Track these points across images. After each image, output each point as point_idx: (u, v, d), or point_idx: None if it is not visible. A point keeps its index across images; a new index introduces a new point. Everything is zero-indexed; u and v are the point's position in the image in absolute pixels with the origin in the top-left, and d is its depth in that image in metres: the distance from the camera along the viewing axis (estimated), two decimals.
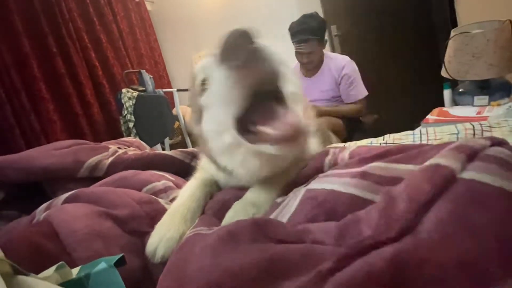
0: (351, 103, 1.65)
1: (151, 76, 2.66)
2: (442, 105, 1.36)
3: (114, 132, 2.68)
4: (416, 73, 2.00)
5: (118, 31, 3.07)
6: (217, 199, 0.49)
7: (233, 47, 0.33)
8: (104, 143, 0.94)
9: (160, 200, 0.51)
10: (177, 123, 2.90)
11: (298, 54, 1.60)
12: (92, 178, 0.72)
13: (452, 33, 1.26)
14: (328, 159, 0.43)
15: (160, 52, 3.63)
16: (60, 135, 2.42)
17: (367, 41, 2.24)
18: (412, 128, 1.22)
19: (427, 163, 0.27)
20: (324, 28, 1.61)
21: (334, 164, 0.41)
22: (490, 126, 0.81)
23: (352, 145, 0.46)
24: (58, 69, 2.47)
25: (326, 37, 1.68)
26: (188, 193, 0.51)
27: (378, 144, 0.90)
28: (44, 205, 0.50)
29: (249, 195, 0.44)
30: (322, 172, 0.39)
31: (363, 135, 1.27)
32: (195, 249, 0.28)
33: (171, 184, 0.59)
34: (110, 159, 0.74)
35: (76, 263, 0.36)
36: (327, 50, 1.89)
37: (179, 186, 0.62)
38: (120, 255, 0.41)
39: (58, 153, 0.75)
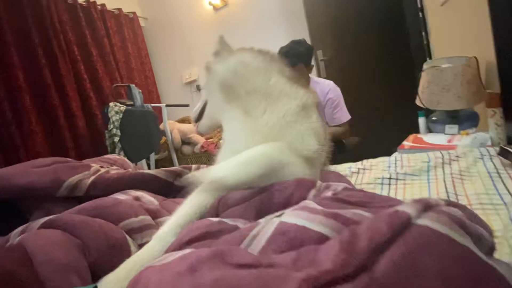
0: (335, 125, 1.72)
1: (140, 91, 2.67)
2: (418, 130, 1.45)
3: (99, 146, 2.64)
4: (395, 99, 2.12)
5: (110, 45, 3.10)
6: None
7: None
8: (86, 161, 0.94)
9: (131, 242, 0.50)
10: (164, 138, 2.89)
11: None
12: (72, 197, 0.72)
13: (425, 66, 1.36)
14: (312, 193, 0.43)
15: (151, 67, 3.67)
16: (41, 147, 2.36)
17: (351, 66, 2.37)
18: (390, 152, 1.30)
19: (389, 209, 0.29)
20: (311, 54, 1.70)
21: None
22: (457, 156, 0.88)
23: (336, 185, 0.47)
24: (45, 80, 2.45)
25: (313, 63, 1.77)
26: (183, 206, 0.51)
27: (357, 169, 0.95)
28: (20, 228, 0.49)
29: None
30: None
31: (345, 156, 1.32)
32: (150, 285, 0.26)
33: (148, 222, 0.57)
34: (91, 178, 0.73)
35: None
36: (313, 74, 1.98)
37: (157, 214, 0.62)
38: (94, 285, 0.40)
39: (37, 171, 0.73)
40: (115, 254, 0.46)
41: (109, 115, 2.31)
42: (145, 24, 3.71)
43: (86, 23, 2.88)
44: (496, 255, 0.47)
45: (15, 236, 0.47)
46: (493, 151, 0.82)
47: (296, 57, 1.58)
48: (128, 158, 2.35)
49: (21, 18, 2.38)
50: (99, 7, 3.06)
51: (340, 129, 1.72)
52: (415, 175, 0.80)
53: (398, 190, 0.74)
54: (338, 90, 1.73)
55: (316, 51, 2.36)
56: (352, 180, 0.84)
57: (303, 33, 2.29)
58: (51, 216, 0.50)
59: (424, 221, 0.26)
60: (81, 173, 0.74)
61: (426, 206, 0.28)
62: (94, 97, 2.80)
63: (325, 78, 2.09)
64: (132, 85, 2.59)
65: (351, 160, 1.06)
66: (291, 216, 0.33)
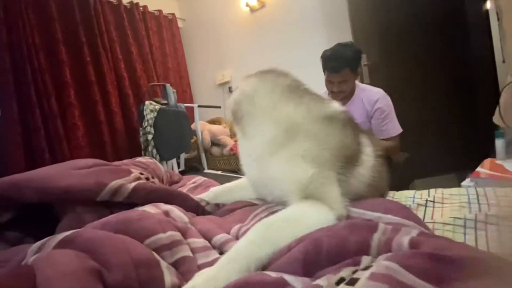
0: (383, 139, 1.54)
1: (175, 91, 2.72)
2: (478, 152, 1.24)
3: (133, 143, 2.73)
4: (452, 114, 1.88)
5: (149, 45, 3.20)
6: None
7: None
8: (121, 164, 0.93)
9: (162, 262, 0.45)
10: (194, 138, 2.91)
11: (328, 82, 1.55)
12: (105, 203, 0.70)
13: (509, 77, 1.15)
14: (377, 237, 0.35)
15: (186, 67, 3.74)
16: (82, 140, 2.49)
17: (397, 72, 2.17)
18: (446, 173, 1.09)
19: None
20: (359, 58, 1.54)
21: (384, 250, 0.33)
22: None
23: (408, 228, 0.37)
24: (88, 77, 2.59)
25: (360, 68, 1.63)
26: None
27: (424, 201, 0.77)
28: (37, 244, 0.46)
29: None
30: (366, 253, 0.32)
31: (392, 174, 1.18)
32: None
33: (178, 237, 0.52)
34: (133, 184, 0.71)
35: None
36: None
37: (186, 233, 0.57)
38: None
39: (79, 173, 0.73)
40: (143, 273, 0.42)
41: (144, 113, 2.37)
42: (183, 25, 3.79)
43: (129, 23, 3.00)
44: None
45: (31, 253, 0.44)
46: None
47: (341, 62, 1.47)
48: (160, 156, 2.42)
49: (70, 17, 2.53)
50: (141, 8, 3.18)
51: (388, 143, 1.53)
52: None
53: (489, 238, 0.55)
54: (388, 99, 1.55)
55: None
56: (419, 216, 0.63)
57: (346, 36, 2.15)
58: (71, 232, 0.47)
59: None
60: (122, 178, 0.72)
61: None
62: (132, 94, 2.91)
63: (368, 84, 1.94)
64: (167, 85, 2.65)
65: (398, 180, 0.93)
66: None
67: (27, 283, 0.35)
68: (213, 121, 3.28)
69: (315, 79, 1.25)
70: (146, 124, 2.38)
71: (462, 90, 1.75)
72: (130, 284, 0.39)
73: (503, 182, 0.92)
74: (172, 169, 2.51)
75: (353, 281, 0.26)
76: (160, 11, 3.42)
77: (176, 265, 0.48)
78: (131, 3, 3.07)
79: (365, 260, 0.31)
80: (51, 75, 2.38)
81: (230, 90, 3.41)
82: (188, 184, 1.09)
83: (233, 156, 2.84)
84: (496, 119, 1.13)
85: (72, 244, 0.45)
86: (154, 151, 2.35)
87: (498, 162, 1.11)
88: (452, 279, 0.25)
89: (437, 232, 0.59)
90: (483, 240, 0.56)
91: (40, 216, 0.71)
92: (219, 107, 3.00)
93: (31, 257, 0.43)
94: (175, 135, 2.49)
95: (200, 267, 0.49)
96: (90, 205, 0.69)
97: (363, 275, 0.26)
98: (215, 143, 2.99)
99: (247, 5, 3.10)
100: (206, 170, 2.74)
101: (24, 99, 2.17)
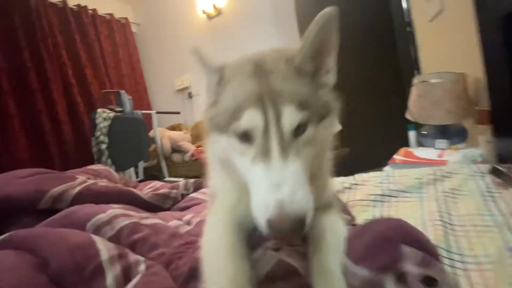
0: None
1: (130, 97, 2.62)
2: (407, 143, 1.46)
3: (85, 154, 2.56)
4: (384, 112, 2.14)
5: (100, 50, 3.05)
6: None
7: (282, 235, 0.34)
8: (69, 172, 0.90)
9: (98, 242, 0.48)
10: (153, 146, 2.83)
11: None
12: (54, 210, 0.68)
13: (415, 80, 1.38)
14: None
15: (142, 73, 3.63)
16: (24, 153, 2.27)
17: (340, 74, 2.38)
18: (380, 165, 1.29)
19: None
20: None
21: None
22: (449, 172, 0.88)
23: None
24: (30, 84, 2.38)
25: None
26: (221, 227, 0.46)
27: (349, 184, 0.93)
28: None
29: None
30: None
31: (334, 168, 1.32)
32: None
33: (118, 212, 0.56)
34: (77, 188, 0.70)
35: None
36: None
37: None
38: None
39: (18, 182, 0.70)
40: (78, 256, 0.44)
41: (97, 121, 2.25)
42: (137, 30, 3.68)
43: (76, 27, 2.84)
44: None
45: None
46: (484, 168, 0.82)
47: None
48: (116, 166, 2.31)
49: (8, 20, 2.32)
50: (90, 11, 3.02)
51: None
52: (407, 192, 0.79)
53: (392, 208, 0.73)
54: None
55: None
56: (345, 196, 0.82)
57: (295, 37, 2.33)
58: (5, 235, 0.47)
59: None
60: (65, 184, 0.70)
61: None
62: (82, 102, 2.74)
63: None
64: (122, 91, 2.55)
65: (341, 173, 1.05)
66: None
67: None
68: (173, 127, 3.22)
69: None
70: (99, 133, 2.25)
71: (392, 91, 2.00)
72: (67, 268, 0.42)
73: (409, 165, 1.14)
74: (130, 179, 2.40)
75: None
76: (111, 15, 3.28)
77: (118, 235, 0.52)
78: (78, 6, 2.90)
79: None
80: None
81: (190, 95, 3.39)
82: (146, 189, 1.08)
83: (196, 162, 2.82)
84: (408, 115, 1.36)
85: (9, 244, 0.46)
86: (109, 161, 2.24)
87: (410, 149, 1.35)
88: None
89: (355, 208, 0.74)
90: (386, 210, 0.72)
91: None
92: (179, 112, 2.96)
93: None
94: (132, 143, 2.40)
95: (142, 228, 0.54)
96: (40, 214, 0.67)
97: None
98: (176, 149, 2.94)
99: (203, 12, 3.14)
100: (167, 178, 2.68)
101: None
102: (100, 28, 3.10)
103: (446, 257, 0.51)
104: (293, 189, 0.35)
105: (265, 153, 0.38)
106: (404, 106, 1.44)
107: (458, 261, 0.51)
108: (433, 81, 1.30)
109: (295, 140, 0.39)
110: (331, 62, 0.47)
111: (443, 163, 1.06)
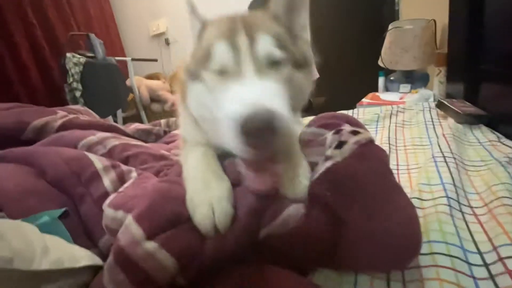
0: None
1: (102, 42, 2.46)
2: (377, 89, 1.57)
3: (57, 102, 2.46)
4: (362, 61, 2.19)
5: None
6: None
7: (255, 134, 0.31)
8: (50, 108, 0.91)
9: (91, 155, 0.52)
10: (131, 95, 2.76)
11: None
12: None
13: (390, 26, 1.42)
14: None
15: (113, 14, 3.32)
16: None
17: (322, 26, 2.35)
18: (351, 108, 1.41)
19: None
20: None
21: None
22: (404, 108, 0.99)
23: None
24: None
25: None
26: (199, 152, 0.47)
27: None
28: None
29: None
30: None
31: (313, 114, 1.43)
32: None
33: (108, 135, 0.61)
34: (59, 121, 0.72)
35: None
36: None
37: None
38: (64, 209, 0.44)
39: (2, 113, 0.71)
40: (74, 166, 0.49)
41: (67, 67, 2.13)
42: None
43: None
44: (413, 183, 0.59)
45: None
46: (433, 104, 0.94)
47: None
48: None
49: None
50: None
51: None
52: (366, 124, 0.90)
53: None
54: None
55: None
56: None
57: None
58: (1, 151, 0.51)
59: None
60: (47, 116, 0.72)
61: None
62: (48, 47, 2.53)
63: None
64: (92, 34, 2.37)
65: None
66: None
67: None
68: (150, 77, 3.11)
69: None
70: (71, 80, 2.15)
71: (372, 41, 2.04)
72: (64, 175, 0.47)
73: (373, 106, 1.26)
74: None
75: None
76: None
77: (110, 152, 0.59)
78: None
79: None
80: None
81: (167, 42, 3.21)
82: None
83: (175, 111, 2.81)
84: (380, 61, 1.44)
85: (5, 160, 0.50)
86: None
87: (377, 94, 1.47)
88: None
89: None
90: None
91: None
92: (156, 60, 2.84)
93: None
94: (108, 91, 2.33)
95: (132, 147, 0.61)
96: (25, 145, 0.70)
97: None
98: (154, 99, 2.89)
99: None
100: None
101: None
102: None
103: None
104: (267, 96, 0.33)
105: (239, 74, 0.36)
106: (379, 54, 1.51)
107: (394, 169, 0.64)
108: (405, 27, 1.35)
109: (271, 70, 0.38)
110: (304, 19, 0.48)
111: (402, 103, 1.18)
